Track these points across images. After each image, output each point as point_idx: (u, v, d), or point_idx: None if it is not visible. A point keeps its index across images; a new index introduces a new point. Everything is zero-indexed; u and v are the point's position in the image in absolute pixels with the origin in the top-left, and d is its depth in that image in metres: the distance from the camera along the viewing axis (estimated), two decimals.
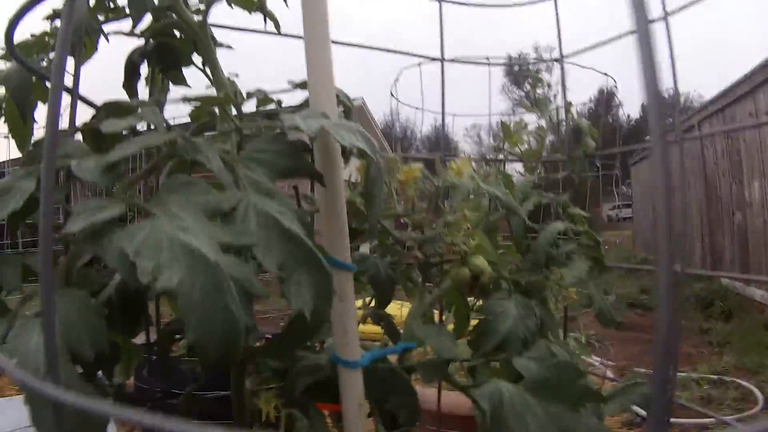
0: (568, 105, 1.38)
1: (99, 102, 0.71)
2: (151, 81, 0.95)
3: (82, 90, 0.83)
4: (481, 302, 1.13)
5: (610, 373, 4.76)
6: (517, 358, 0.94)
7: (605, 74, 1.85)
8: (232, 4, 0.94)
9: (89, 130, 0.65)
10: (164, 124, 0.59)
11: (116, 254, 0.44)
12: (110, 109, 0.68)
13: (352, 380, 0.77)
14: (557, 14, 1.41)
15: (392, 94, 2.15)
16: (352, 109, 0.92)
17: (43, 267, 0.41)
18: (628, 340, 6.35)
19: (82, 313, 0.52)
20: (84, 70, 0.87)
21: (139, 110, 0.61)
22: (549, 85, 1.32)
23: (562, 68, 1.47)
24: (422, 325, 0.95)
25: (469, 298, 1.17)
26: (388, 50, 1.47)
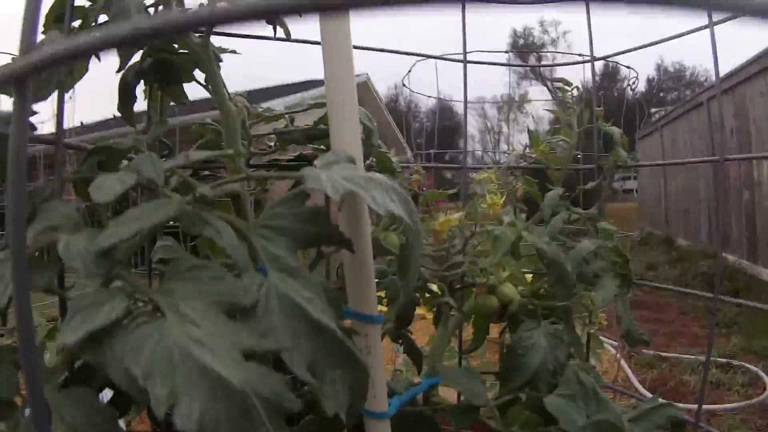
0: (598, 112, 1.31)
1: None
2: (149, 99, 0.88)
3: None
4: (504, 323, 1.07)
5: (621, 360, 4.76)
6: (549, 399, 0.89)
7: (628, 67, 1.78)
8: None
9: (80, 181, 0.58)
10: (164, 180, 0.51)
11: (123, 375, 0.37)
12: (101, 152, 0.60)
13: (370, 330, 0.70)
14: (588, 15, 1.33)
15: (405, 85, 2.10)
16: (374, 132, 0.85)
17: (32, 391, 0.34)
18: (636, 319, 6.32)
19: (91, 418, 0.44)
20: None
21: (136, 158, 0.54)
22: (577, 88, 1.24)
23: (593, 67, 1.41)
24: (451, 370, 0.88)
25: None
26: (415, 54, 1.45)
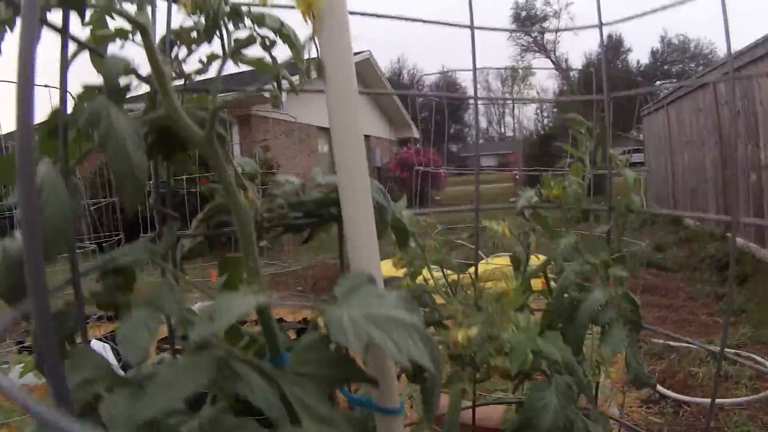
0: (612, 155, 1.32)
1: None
2: (154, 172, 0.89)
3: None
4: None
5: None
6: None
7: None
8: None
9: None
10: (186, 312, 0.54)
11: None
12: (118, 273, 0.63)
13: (395, 427, 0.73)
14: None
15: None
16: (387, 209, 0.87)
17: None
18: (645, 304, 6.34)
19: None
20: None
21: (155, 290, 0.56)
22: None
23: (601, 34, 1.41)
24: None
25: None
26: (422, 20, 1.48)
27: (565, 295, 1.15)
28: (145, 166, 0.60)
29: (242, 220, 0.69)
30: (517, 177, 24.09)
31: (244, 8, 0.72)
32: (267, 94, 0.75)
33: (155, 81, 0.66)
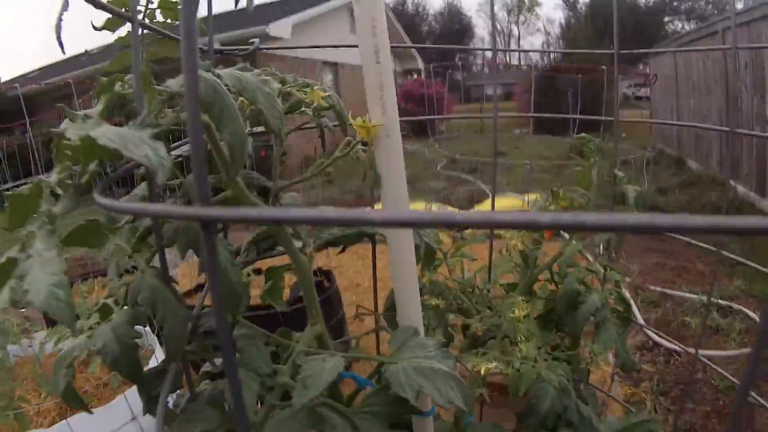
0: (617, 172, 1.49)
1: None
2: None
3: None
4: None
5: (627, 295, 5.00)
6: None
7: None
8: None
9: None
10: None
11: None
12: None
13: (427, 427, 0.94)
14: None
15: None
16: (421, 246, 1.05)
17: None
18: (645, 250, 6.52)
19: None
20: None
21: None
22: None
23: None
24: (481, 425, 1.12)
25: None
26: None
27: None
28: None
29: (303, 273, 0.88)
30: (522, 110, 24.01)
31: None
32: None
33: (222, 168, 0.81)
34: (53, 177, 0.59)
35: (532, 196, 7.18)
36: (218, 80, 0.60)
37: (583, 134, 1.49)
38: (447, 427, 1.14)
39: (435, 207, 7.13)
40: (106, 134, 0.48)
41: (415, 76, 24.57)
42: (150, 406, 0.75)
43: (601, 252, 1.58)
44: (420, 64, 26.64)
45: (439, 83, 24.31)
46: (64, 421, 2.19)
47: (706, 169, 10.36)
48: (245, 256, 1.03)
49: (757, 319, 4.54)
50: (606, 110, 20.99)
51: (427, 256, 1.13)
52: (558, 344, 1.35)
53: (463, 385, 0.73)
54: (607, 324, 1.33)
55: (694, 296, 5.02)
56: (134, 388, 2.22)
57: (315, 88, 0.88)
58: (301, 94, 0.87)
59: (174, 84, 0.63)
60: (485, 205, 7.13)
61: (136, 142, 0.48)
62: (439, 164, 13.55)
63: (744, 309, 4.75)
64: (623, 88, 46.28)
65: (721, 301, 4.95)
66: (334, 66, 19.44)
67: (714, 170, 10.06)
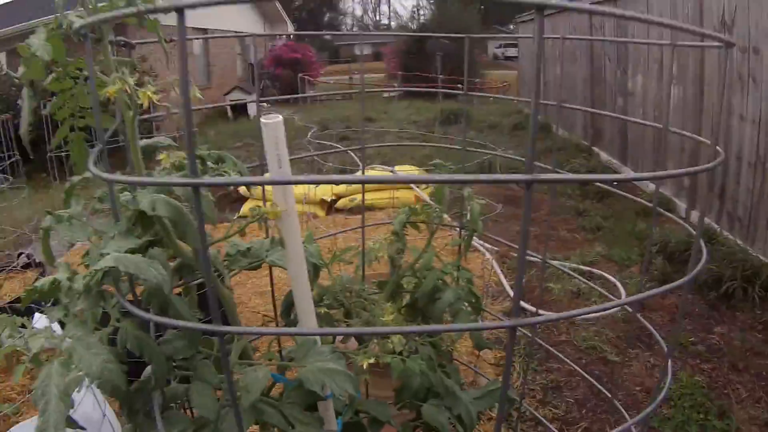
0: None
1: None
2: None
3: None
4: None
5: (495, 265, 5.47)
6: (424, 407, 1.53)
7: None
8: None
9: None
10: None
11: None
12: None
13: (328, 406, 1.31)
14: None
15: None
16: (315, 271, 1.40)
17: None
18: (508, 216, 6.98)
19: None
20: None
21: None
22: None
23: None
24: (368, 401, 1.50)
25: None
26: None
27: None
28: None
29: (229, 305, 1.23)
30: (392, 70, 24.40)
31: None
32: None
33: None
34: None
35: (399, 167, 7.58)
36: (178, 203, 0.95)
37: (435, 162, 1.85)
38: (341, 403, 1.51)
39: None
40: (123, 261, 0.82)
41: (285, 40, 24.65)
42: (131, 417, 1.10)
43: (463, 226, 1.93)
44: (290, 27, 26.67)
45: (308, 47, 24.53)
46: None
47: (572, 137, 11.06)
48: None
49: (617, 283, 5.05)
50: (473, 72, 21.55)
51: (314, 272, 1.49)
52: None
53: (352, 377, 1.09)
54: (460, 314, 1.73)
55: (555, 262, 5.49)
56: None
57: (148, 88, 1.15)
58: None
59: (146, 206, 0.96)
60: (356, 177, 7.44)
61: (144, 267, 0.83)
62: (310, 132, 13.54)
63: (604, 273, 5.25)
64: (494, 48, 47.52)
65: (582, 267, 5.45)
66: (204, 32, 19.42)
67: (579, 137, 10.77)
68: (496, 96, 4.32)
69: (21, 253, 5.33)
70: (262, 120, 1.07)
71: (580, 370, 2.10)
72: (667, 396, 3.47)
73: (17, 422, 2.47)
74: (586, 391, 3.65)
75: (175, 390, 1.18)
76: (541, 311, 2.13)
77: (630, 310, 2.95)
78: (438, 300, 1.71)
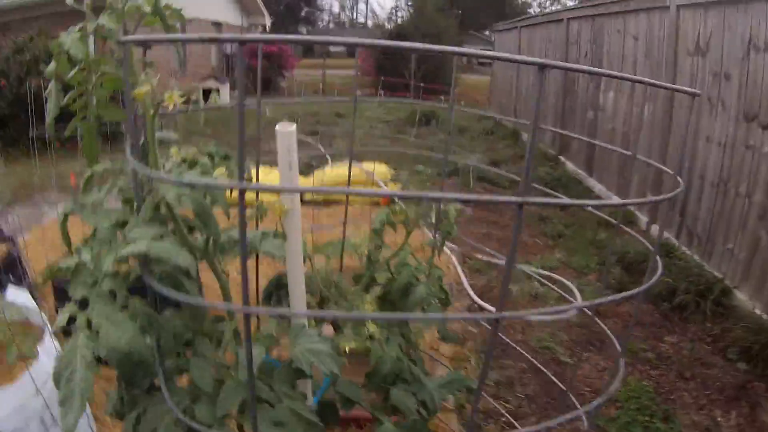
0: None
1: None
2: None
3: None
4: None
5: (456, 264, 5.63)
6: (393, 390, 1.68)
7: None
8: None
9: None
10: None
11: None
12: None
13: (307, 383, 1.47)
14: None
15: None
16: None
17: None
18: (474, 220, 7.14)
19: None
20: None
21: None
22: None
23: None
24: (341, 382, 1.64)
25: None
26: None
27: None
28: None
29: (226, 289, 1.37)
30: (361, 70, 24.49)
31: None
32: None
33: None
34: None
35: (367, 165, 7.70)
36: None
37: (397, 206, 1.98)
38: (327, 381, 1.65)
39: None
40: (155, 247, 0.96)
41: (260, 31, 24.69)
42: (128, 389, 1.23)
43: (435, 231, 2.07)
44: (267, 19, 26.67)
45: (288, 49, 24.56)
46: None
47: (540, 145, 11.25)
48: None
49: (574, 288, 5.22)
50: (447, 74, 21.64)
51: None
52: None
53: (337, 358, 1.23)
54: (431, 308, 1.89)
55: (520, 266, 5.66)
56: (37, 364, 2.54)
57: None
58: None
59: (172, 199, 1.10)
60: (325, 173, 7.59)
61: (174, 252, 0.97)
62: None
63: (563, 279, 5.41)
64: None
65: (542, 271, 5.60)
66: (218, 26, 20.15)
67: (546, 146, 10.99)
68: (472, 110, 4.44)
69: None
70: (278, 128, 1.21)
71: (538, 364, 2.25)
72: (614, 397, 3.67)
73: None
74: (537, 389, 3.82)
75: (173, 365, 1.31)
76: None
77: (590, 313, 3.11)
78: (410, 294, 1.85)
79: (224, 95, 18.31)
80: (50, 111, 1.34)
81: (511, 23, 15.64)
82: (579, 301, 4.97)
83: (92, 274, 1.12)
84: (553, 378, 2.13)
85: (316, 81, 22.63)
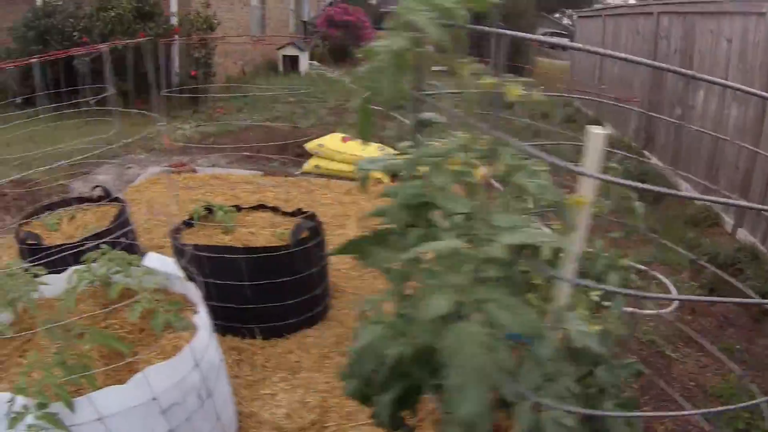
0: None
1: None
2: None
3: None
4: None
5: None
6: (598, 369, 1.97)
7: None
8: None
9: None
10: None
11: None
12: None
13: None
14: None
15: None
16: None
17: None
18: None
19: None
20: None
21: None
22: None
23: None
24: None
25: None
26: None
27: None
28: None
29: None
30: None
31: None
32: None
33: None
34: None
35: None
36: None
37: None
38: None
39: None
40: (533, 235, 1.27)
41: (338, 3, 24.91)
42: None
43: None
44: None
45: (361, 10, 24.70)
46: (140, 374, 2.38)
47: (623, 135, 11.24)
48: None
49: (670, 285, 5.36)
50: (521, 56, 21.68)
51: None
52: None
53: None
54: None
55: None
56: (196, 340, 2.67)
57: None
58: None
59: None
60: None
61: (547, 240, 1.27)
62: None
63: (658, 275, 5.55)
64: (540, 35, 47.11)
65: (639, 266, 5.72)
66: None
67: (630, 138, 10.98)
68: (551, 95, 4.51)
69: (97, 186, 5.63)
70: (590, 129, 1.52)
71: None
72: (717, 392, 3.92)
73: (132, 361, 2.55)
74: (646, 381, 3.99)
75: None
76: None
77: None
78: None
79: (302, 63, 18.58)
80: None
81: (595, 11, 15.63)
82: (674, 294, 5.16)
83: (467, 258, 1.31)
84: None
85: None
